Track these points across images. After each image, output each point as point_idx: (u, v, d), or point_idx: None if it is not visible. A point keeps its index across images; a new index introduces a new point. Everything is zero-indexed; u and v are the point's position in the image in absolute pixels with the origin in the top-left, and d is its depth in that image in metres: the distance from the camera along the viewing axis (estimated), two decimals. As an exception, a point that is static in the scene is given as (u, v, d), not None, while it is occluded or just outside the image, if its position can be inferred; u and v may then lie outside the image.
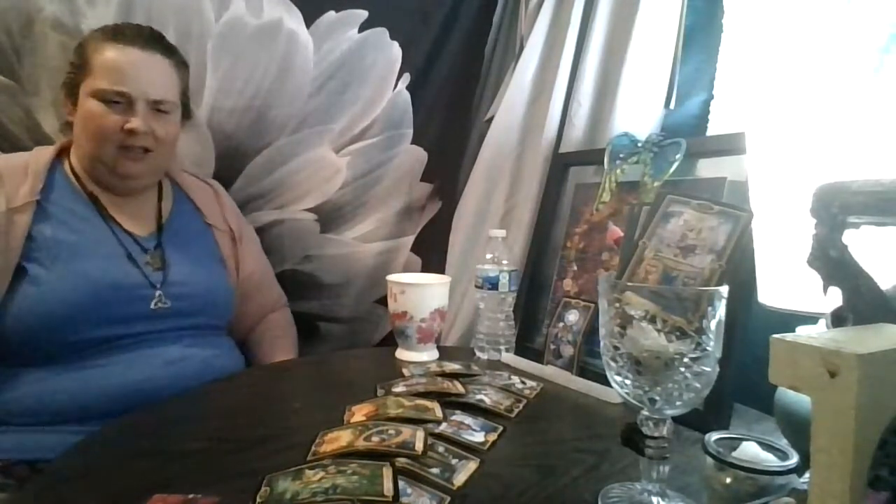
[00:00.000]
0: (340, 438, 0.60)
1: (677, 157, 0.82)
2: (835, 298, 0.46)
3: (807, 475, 0.44)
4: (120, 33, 0.89)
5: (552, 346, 0.90)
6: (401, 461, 0.56)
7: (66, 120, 0.92)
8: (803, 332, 0.38)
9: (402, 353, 0.96)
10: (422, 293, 0.94)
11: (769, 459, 0.47)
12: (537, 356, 0.93)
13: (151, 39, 0.91)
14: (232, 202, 1.12)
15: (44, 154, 0.91)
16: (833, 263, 0.45)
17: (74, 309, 0.81)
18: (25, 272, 0.81)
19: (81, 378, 0.80)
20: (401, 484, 0.52)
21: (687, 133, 0.93)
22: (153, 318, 0.88)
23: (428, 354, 0.96)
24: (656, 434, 0.49)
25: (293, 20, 1.15)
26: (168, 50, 0.93)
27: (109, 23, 1.00)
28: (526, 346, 1.00)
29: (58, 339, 0.81)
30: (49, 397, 0.79)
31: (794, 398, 0.57)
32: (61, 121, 0.97)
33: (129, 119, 0.87)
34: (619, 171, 0.91)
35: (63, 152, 0.93)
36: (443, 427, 0.65)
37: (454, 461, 0.58)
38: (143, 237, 0.93)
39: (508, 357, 0.96)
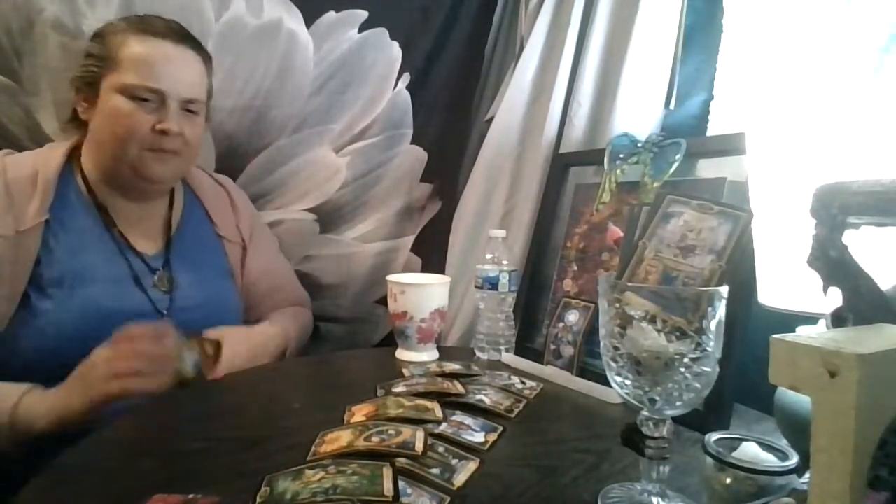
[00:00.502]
0: (340, 438, 0.60)
1: (677, 157, 0.82)
2: (835, 299, 0.46)
3: (807, 475, 0.44)
4: (150, 26, 0.85)
5: (552, 347, 0.90)
6: (401, 461, 0.56)
7: (78, 117, 0.87)
8: (803, 333, 0.38)
9: (402, 354, 0.96)
10: (422, 293, 0.94)
11: (769, 460, 0.47)
12: (537, 356, 0.93)
13: (181, 34, 0.88)
14: (246, 204, 1.10)
15: (54, 158, 0.86)
16: (833, 264, 0.45)
17: (75, 342, 0.78)
18: (28, 299, 0.78)
19: None
20: (401, 484, 0.52)
21: (687, 133, 0.93)
22: None
23: (428, 355, 0.96)
24: (656, 434, 0.49)
25: (293, 20, 1.15)
26: (198, 46, 0.90)
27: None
28: (526, 346, 1.00)
29: (57, 367, 0.77)
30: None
31: (794, 398, 0.57)
32: (62, 120, 0.96)
33: (162, 119, 0.83)
34: (619, 171, 0.91)
35: (73, 152, 0.89)
36: (443, 427, 0.65)
37: (454, 461, 0.58)
38: (150, 255, 0.90)
39: (508, 357, 0.96)
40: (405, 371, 0.88)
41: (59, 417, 0.72)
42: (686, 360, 0.46)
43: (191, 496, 0.50)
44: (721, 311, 0.47)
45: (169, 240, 0.94)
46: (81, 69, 0.86)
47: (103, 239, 0.87)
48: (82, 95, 0.86)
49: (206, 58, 0.92)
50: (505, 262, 0.98)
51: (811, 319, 0.58)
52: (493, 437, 0.64)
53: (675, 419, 0.50)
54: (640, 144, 0.89)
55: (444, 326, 1.23)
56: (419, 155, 1.29)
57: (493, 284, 0.96)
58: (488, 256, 0.99)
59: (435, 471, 0.55)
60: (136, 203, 0.91)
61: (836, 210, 0.45)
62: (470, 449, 0.61)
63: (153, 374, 0.74)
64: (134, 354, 0.73)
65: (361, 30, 1.20)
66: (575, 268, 0.97)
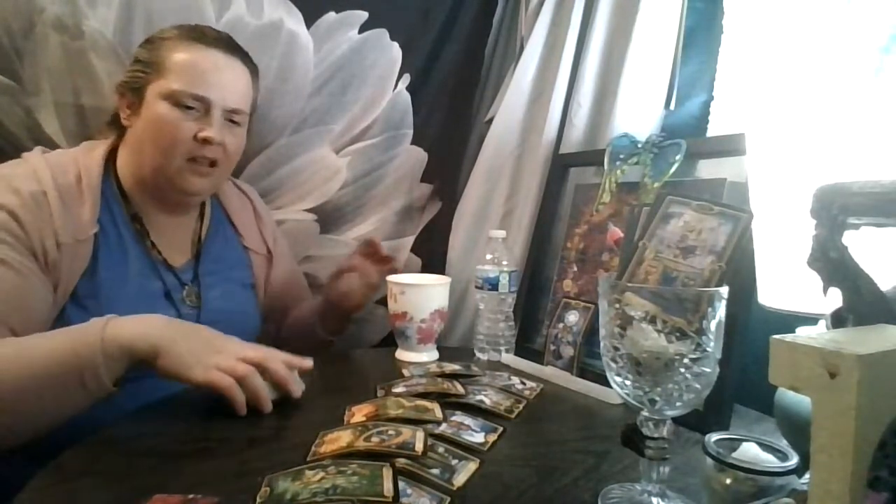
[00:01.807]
0: (340, 439, 0.60)
1: (677, 157, 0.82)
2: (835, 299, 0.46)
3: (807, 476, 0.44)
4: (201, 34, 0.85)
5: (552, 347, 0.90)
6: (401, 462, 0.56)
7: (118, 121, 0.86)
8: (803, 333, 0.38)
9: (402, 354, 0.96)
10: (422, 293, 0.94)
11: (769, 460, 0.47)
12: (537, 357, 0.93)
13: (232, 45, 0.88)
14: (267, 212, 1.11)
15: (94, 163, 0.83)
16: (833, 264, 0.45)
17: None
18: (64, 310, 0.77)
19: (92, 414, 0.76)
20: (401, 484, 0.52)
21: (687, 134, 0.93)
22: None
23: (428, 355, 0.96)
24: (656, 435, 0.49)
25: (293, 21, 1.15)
26: (247, 58, 0.90)
27: (110, 23, 1.01)
28: (526, 346, 1.00)
29: None
30: (53, 433, 0.75)
31: (794, 399, 0.57)
32: (63, 123, 0.95)
33: (204, 127, 0.83)
34: (619, 171, 0.91)
35: (109, 155, 0.87)
36: (443, 428, 0.65)
37: (454, 462, 0.58)
38: (179, 268, 0.90)
39: (508, 358, 0.96)
40: (405, 371, 0.88)
41: (155, 348, 0.67)
42: (686, 360, 0.46)
43: (191, 496, 0.50)
44: (721, 311, 0.47)
45: (198, 252, 0.94)
46: (128, 74, 0.85)
47: (138, 251, 0.86)
48: (126, 101, 0.85)
49: (254, 71, 0.92)
50: (505, 263, 0.98)
51: (811, 320, 0.58)
52: (493, 437, 0.64)
53: (675, 419, 0.50)
54: (640, 145, 0.89)
55: (444, 326, 1.23)
56: (419, 155, 1.29)
57: (493, 285, 0.96)
58: (488, 257, 1.00)
59: (435, 471, 0.55)
60: (168, 215, 0.91)
61: (837, 211, 0.45)
62: (470, 449, 0.61)
63: (250, 397, 0.70)
64: (253, 373, 0.69)
65: (362, 30, 1.20)
66: (575, 268, 0.97)
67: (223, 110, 0.85)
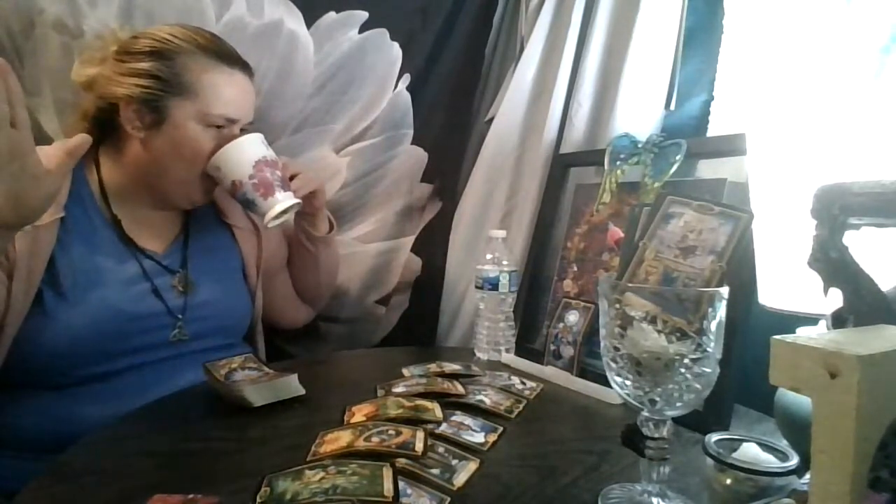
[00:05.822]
0: (340, 439, 0.60)
1: (677, 157, 0.82)
2: (835, 300, 0.46)
3: (807, 476, 0.44)
4: (220, 52, 0.87)
5: (552, 347, 0.90)
6: (401, 462, 0.56)
7: (134, 135, 0.84)
8: (804, 334, 0.38)
9: (267, 217, 0.89)
10: (231, 154, 0.87)
11: (769, 460, 0.48)
12: (537, 357, 0.93)
13: (242, 61, 0.90)
14: None
15: None
16: (834, 265, 0.45)
17: (87, 346, 0.78)
18: (41, 300, 0.77)
19: (87, 406, 0.78)
20: (401, 484, 0.52)
21: (687, 134, 0.93)
22: (170, 346, 0.86)
23: (282, 204, 0.89)
24: (656, 435, 0.49)
25: (293, 21, 1.15)
26: (249, 68, 0.92)
27: (111, 23, 1.01)
28: (526, 346, 1.00)
29: (66, 372, 0.78)
30: (50, 425, 0.77)
31: (795, 399, 0.57)
32: (66, 124, 0.95)
33: None
34: (619, 171, 0.91)
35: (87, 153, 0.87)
36: (443, 427, 0.65)
37: (454, 462, 0.58)
38: (163, 254, 0.90)
39: (508, 357, 0.96)
40: (405, 371, 0.88)
41: None
42: (686, 360, 0.46)
43: (191, 496, 0.50)
44: (721, 311, 0.47)
45: (185, 237, 0.95)
46: (142, 91, 0.82)
47: (115, 242, 0.86)
48: (138, 115, 0.84)
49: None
50: (505, 263, 0.98)
51: (812, 320, 0.58)
52: (493, 437, 0.64)
53: (675, 420, 0.50)
54: (640, 145, 0.89)
55: (444, 326, 1.23)
56: (419, 155, 1.29)
57: (494, 285, 0.96)
58: (488, 257, 0.99)
59: (435, 471, 0.55)
60: (159, 211, 0.92)
61: (837, 211, 0.45)
62: (470, 449, 0.61)
63: None
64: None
65: (362, 30, 1.20)
66: (575, 268, 0.97)
67: (242, 124, 0.89)
